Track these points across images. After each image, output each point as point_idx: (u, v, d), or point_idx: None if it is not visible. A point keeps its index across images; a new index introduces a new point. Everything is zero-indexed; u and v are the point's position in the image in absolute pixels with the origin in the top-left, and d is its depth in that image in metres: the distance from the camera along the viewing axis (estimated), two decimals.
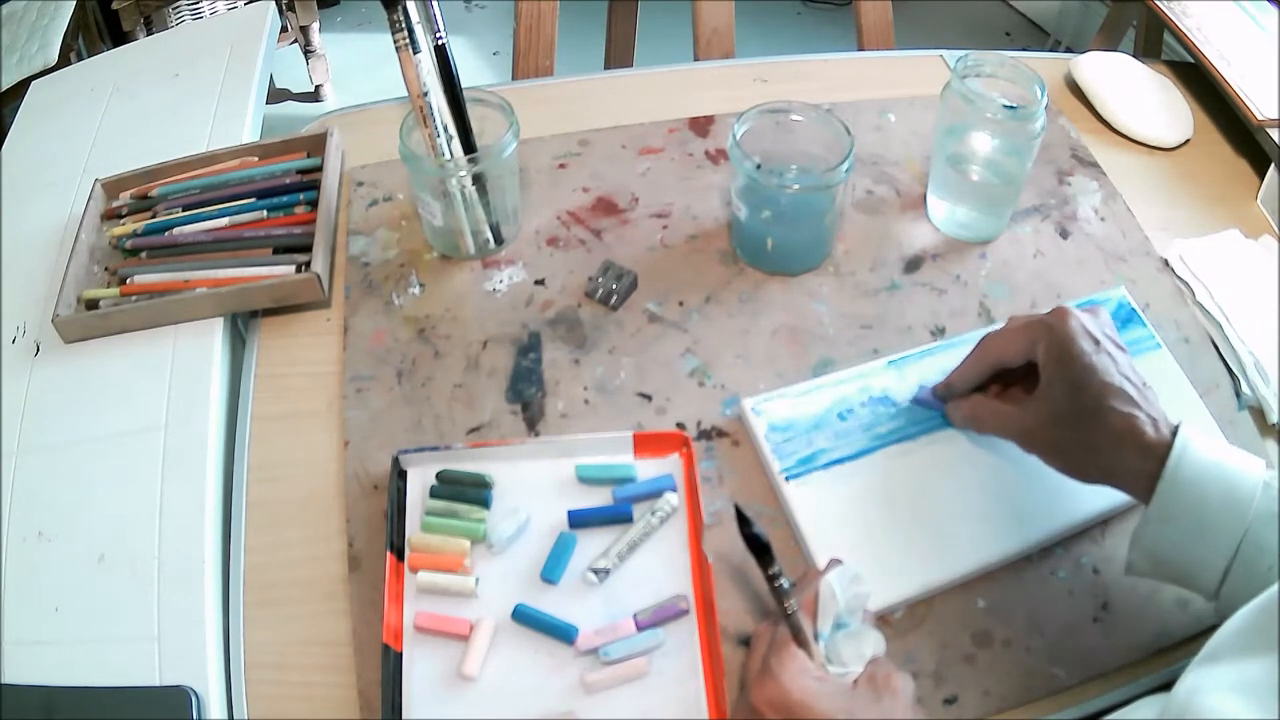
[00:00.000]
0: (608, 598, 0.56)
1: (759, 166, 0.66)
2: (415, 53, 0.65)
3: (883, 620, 0.56)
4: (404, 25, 0.65)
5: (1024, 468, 0.61)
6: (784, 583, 0.50)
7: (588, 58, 1.33)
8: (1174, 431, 0.50)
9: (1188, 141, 0.85)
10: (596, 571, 0.56)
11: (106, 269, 0.73)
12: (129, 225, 0.75)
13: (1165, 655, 0.55)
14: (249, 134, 0.83)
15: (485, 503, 0.59)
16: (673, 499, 0.59)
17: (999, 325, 0.67)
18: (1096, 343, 0.53)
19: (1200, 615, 0.56)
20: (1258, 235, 0.76)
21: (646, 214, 0.77)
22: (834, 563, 0.54)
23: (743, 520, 0.50)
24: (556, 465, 0.61)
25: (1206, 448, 0.49)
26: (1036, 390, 0.54)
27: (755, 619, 0.56)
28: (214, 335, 0.69)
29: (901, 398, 0.63)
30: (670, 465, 0.61)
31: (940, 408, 0.62)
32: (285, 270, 0.70)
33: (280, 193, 0.76)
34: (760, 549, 0.50)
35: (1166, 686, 0.52)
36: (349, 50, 2.22)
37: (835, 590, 0.51)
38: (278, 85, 2.15)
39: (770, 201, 0.69)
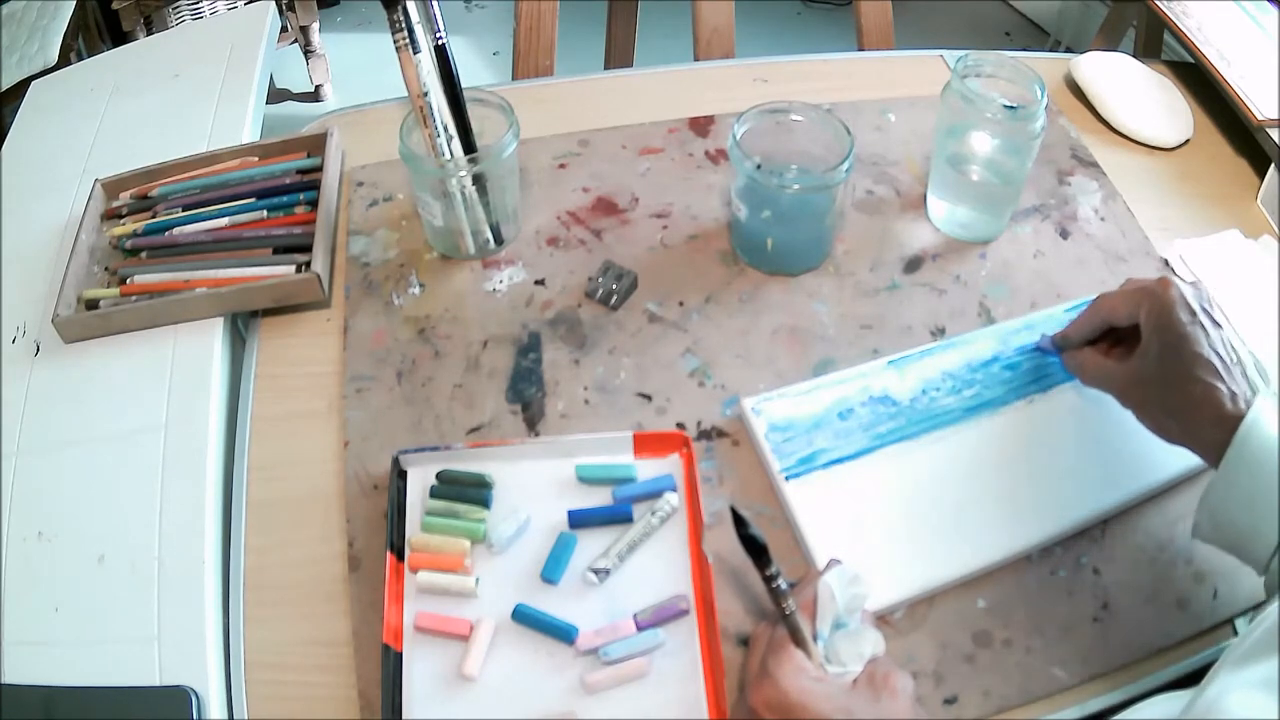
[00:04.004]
0: (608, 598, 0.56)
1: (759, 166, 0.66)
2: (415, 53, 0.65)
3: (883, 620, 0.56)
4: (404, 25, 0.65)
5: (1024, 467, 0.61)
6: (782, 583, 0.49)
7: (588, 58, 1.33)
8: (1249, 405, 0.52)
9: (1188, 141, 0.85)
10: (596, 571, 0.56)
11: (106, 269, 0.73)
12: (129, 225, 0.75)
13: (1165, 655, 0.55)
14: (249, 134, 0.83)
15: (485, 503, 0.59)
16: (673, 499, 0.59)
17: (999, 325, 0.68)
18: (1194, 314, 0.55)
19: (1200, 615, 0.56)
20: (1258, 235, 0.76)
21: (646, 214, 0.77)
22: (833, 563, 0.54)
23: (739, 521, 0.50)
24: (556, 465, 0.61)
25: (1276, 424, 0.51)
26: (1136, 350, 0.56)
27: (755, 619, 0.56)
28: (214, 335, 0.69)
29: (902, 398, 0.63)
30: (670, 465, 0.61)
31: (1057, 355, 0.64)
32: (285, 270, 0.70)
33: (280, 193, 0.76)
34: (757, 550, 0.49)
35: (1175, 684, 0.52)
36: (349, 50, 2.22)
37: (834, 590, 0.51)
38: (278, 85, 2.15)
39: (770, 201, 0.69)
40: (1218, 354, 0.54)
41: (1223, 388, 0.52)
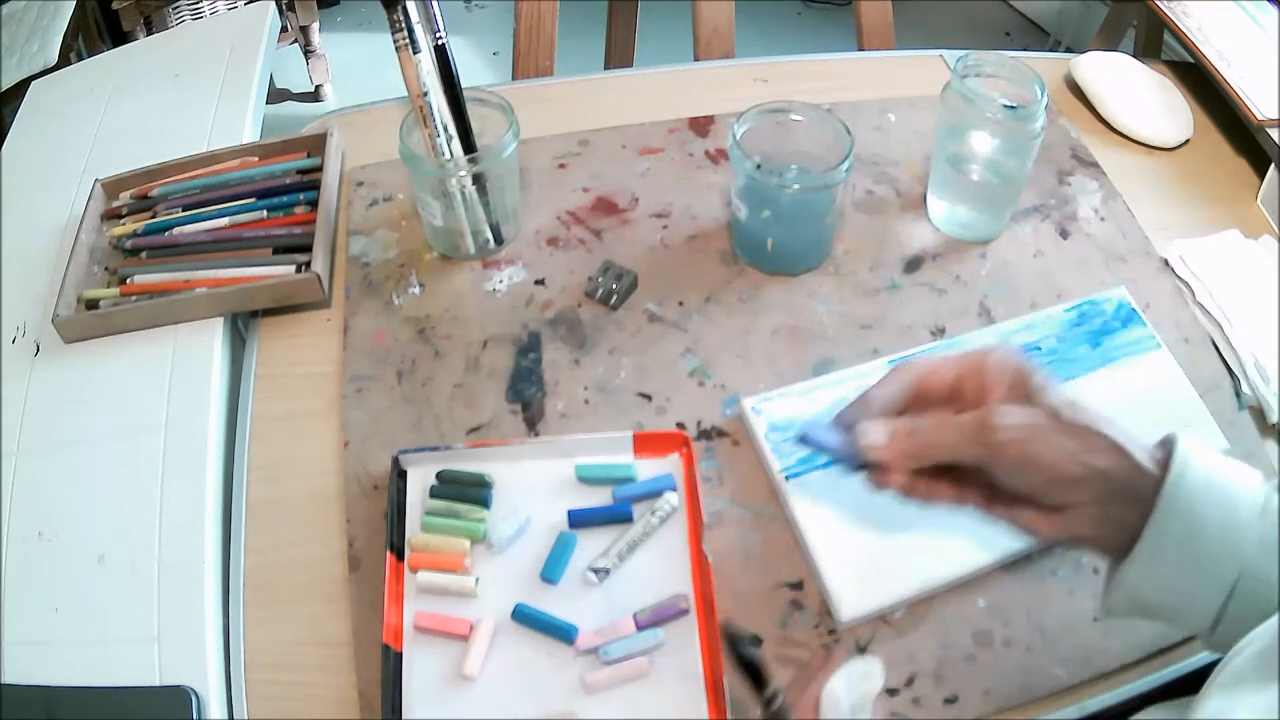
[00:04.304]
0: (608, 597, 0.56)
1: (759, 166, 0.66)
2: (415, 53, 0.65)
3: (883, 620, 0.56)
4: (404, 25, 0.65)
5: None
6: (779, 703, 0.45)
7: (588, 58, 1.33)
8: (1165, 447, 0.45)
9: (1188, 141, 0.85)
10: (596, 571, 0.56)
11: (106, 269, 0.73)
12: (129, 225, 0.75)
13: (1165, 655, 0.55)
14: (249, 134, 0.83)
15: (485, 503, 0.59)
16: (673, 499, 0.59)
17: (999, 325, 0.67)
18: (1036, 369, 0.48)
19: None
20: (1258, 235, 0.76)
21: (646, 214, 0.77)
22: (845, 661, 0.47)
23: (733, 641, 0.46)
24: (556, 465, 0.61)
25: (1204, 468, 0.44)
26: (990, 400, 0.47)
27: (755, 619, 0.56)
28: (214, 335, 0.69)
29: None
30: (670, 465, 0.61)
31: (839, 446, 0.49)
32: (285, 270, 0.70)
33: (280, 193, 0.76)
34: (753, 672, 0.45)
35: (1175, 685, 0.52)
36: (349, 50, 2.22)
37: (840, 697, 0.45)
38: (278, 85, 2.15)
39: (770, 201, 0.69)
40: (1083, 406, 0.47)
41: (1112, 432, 0.45)
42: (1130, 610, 0.46)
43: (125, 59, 0.96)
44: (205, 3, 1.81)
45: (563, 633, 0.54)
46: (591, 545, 0.57)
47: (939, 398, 0.49)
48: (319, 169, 0.77)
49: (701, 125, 0.84)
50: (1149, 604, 0.45)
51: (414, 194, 0.73)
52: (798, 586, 0.57)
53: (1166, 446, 0.46)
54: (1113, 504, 0.45)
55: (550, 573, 0.56)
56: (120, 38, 1.70)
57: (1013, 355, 0.48)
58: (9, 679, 0.54)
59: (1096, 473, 0.45)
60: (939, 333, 0.69)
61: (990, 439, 0.46)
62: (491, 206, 0.72)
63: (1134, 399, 0.63)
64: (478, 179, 0.70)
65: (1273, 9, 0.90)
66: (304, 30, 2.02)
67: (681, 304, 0.71)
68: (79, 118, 0.87)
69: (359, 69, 2.18)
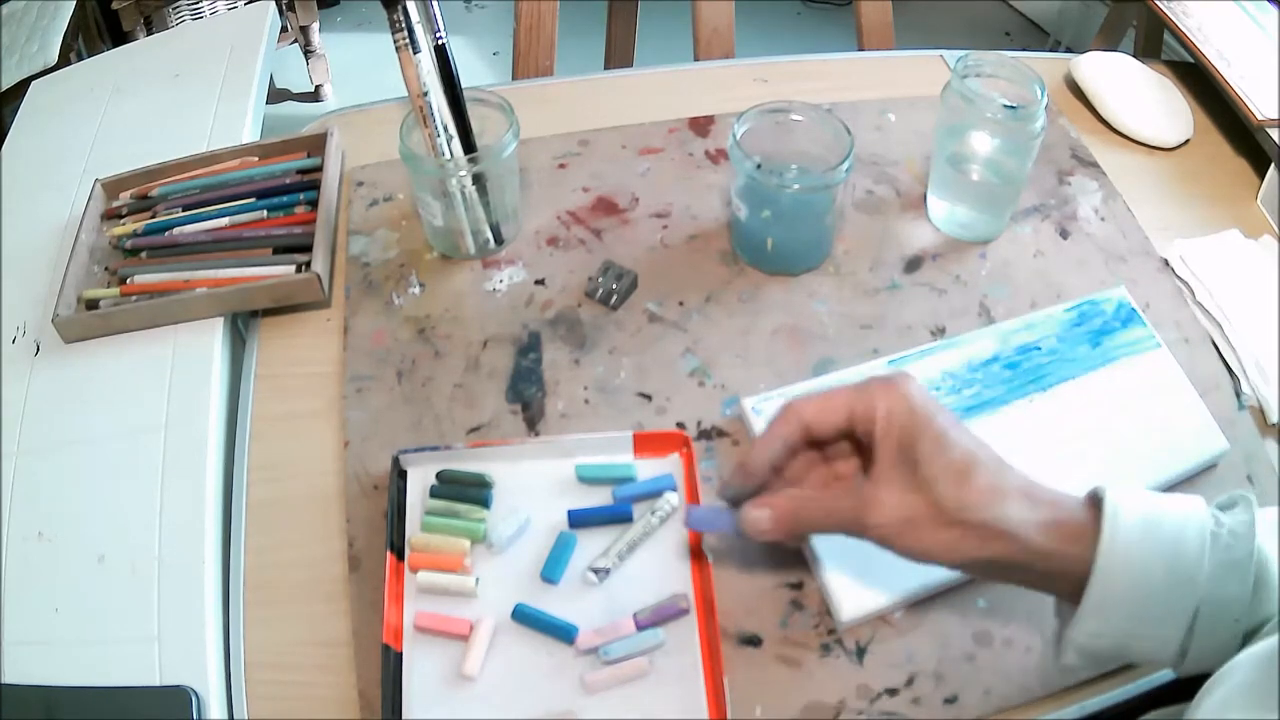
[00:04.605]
0: (608, 598, 0.56)
1: (759, 166, 0.66)
2: (415, 53, 0.65)
3: (883, 620, 0.56)
4: (404, 25, 0.65)
5: (1024, 467, 0.60)
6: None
7: (588, 58, 1.33)
8: (1093, 502, 0.44)
9: (1188, 141, 0.85)
10: (596, 571, 0.56)
11: (106, 269, 0.73)
12: (129, 225, 0.75)
13: None
14: (249, 134, 0.83)
15: (485, 503, 0.59)
16: (673, 499, 0.59)
17: (999, 325, 0.67)
18: (940, 407, 0.47)
19: None
20: (1258, 235, 0.76)
21: (646, 214, 0.77)
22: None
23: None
24: (556, 465, 0.61)
25: (1137, 513, 0.43)
26: (874, 469, 0.46)
27: (755, 619, 0.56)
28: (214, 335, 0.69)
29: None
30: (670, 465, 0.61)
31: (725, 524, 0.49)
32: (285, 270, 0.70)
33: (280, 193, 0.76)
34: None
35: (1168, 692, 0.51)
36: (349, 50, 2.22)
37: None
38: (278, 85, 2.15)
39: (770, 201, 0.69)
40: (979, 442, 0.46)
41: (1011, 470, 0.45)
42: (1086, 663, 0.45)
43: (125, 59, 0.96)
44: (205, 3, 1.81)
45: (563, 633, 0.54)
46: (591, 545, 0.57)
47: (830, 439, 0.48)
48: (319, 169, 0.77)
49: (701, 125, 0.84)
50: (1103, 655, 0.45)
51: (414, 194, 0.73)
52: (798, 586, 0.57)
53: (1095, 499, 0.45)
54: (1016, 575, 0.45)
55: (550, 573, 0.56)
56: (120, 38, 1.70)
57: (907, 398, 0.46)
58: (9, 679, 0.54)
59: (982, 561, 0.45)
60: (939, 332, 0.69)
61: (865, 532, 0.46)
62: (491, 206, 0.72)
63: (1134, 399, 0.63)
64: (478, 179, 0.70)
65: (1273, 9, 0.90)
66: (304, 30, 2.02)
67: (681, 304, 0.71)
68: (79, 118, 0.87)
69: (359, 69, 2.18)
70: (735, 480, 0.49)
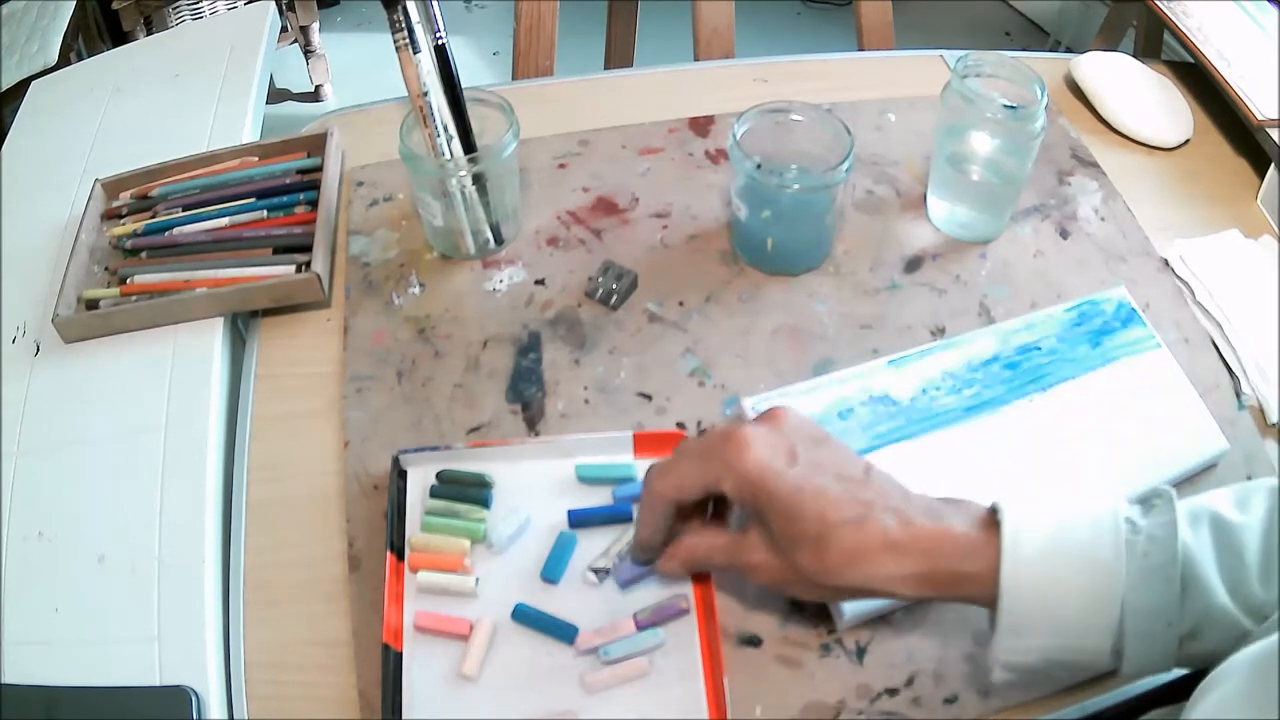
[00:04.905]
0: (608, 598, 0.56)
1: (759, 166, 0.66)
2: (415, 53, 0.65)
3: (883, 620, 0.56)
4: (404, 25, 0.65)
5: (1024, 467, 0.61)
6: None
7: (588, 58, 1.33)
8: (992, 519, 0.44)
9: (1188, 141, 0.85)
10: (596, 571, 0.56)
11: (106, 269, 0.73)
12: (129, 225, 0.75)
13: None
14: (249, 134, 0.83)
15: (485, 503, 0.59)
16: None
17: (999, 324, 0.67)
18: (792, 457, 0.46)
19: None
20: (1258, 235, 0.76)
21: (646, 214, 0.77)
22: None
23: None
24: (556, 465, 0.61)
25: (1041, 529, 0.43)
26: (748, 524, 0.48)
27: (755, 619, 0.56)
28: (214, 335, 0.69)
29: (902, 397, 0.63)
30: None
31: (650, 573, 0.55)
32: (285, 270, 0.70)
33: (280, 193, 0.76)
34: None
35: (1168, 693, 0.51)
36: (349, 50, 2.22)
37: None
38: (278, 85, 2.15)
39: (770, 201, 0.69)
40: (848, 478, 0.46)
41: (876, 514, 0.44)
42: (1017, 676, 0.45)
43: (125, 59, 0.96)
44: (205, 3, 1.81)
45: (563, 633, 0.54)
46: (591, 545, 0.57)
47: (701, 505, 0.51)
48: (319, 169, 0.77)
49: (701, 125, 0.84)
50: (1035, 670, 0.45)
51: (414, 194, 0.73)
52: None
53: (993, 518, 0.45)
54: (923, 594, 0.45)
55: (550, 573, 0.56)
56: (120, 38, 1.70)
57: (745, 470, 0.46)
58: (9, 679, 0.54)
59: (859, 593, 0.46)
60: (939, 332, 0.69)
61: (750, 580, 0.49)
62: (491, 206, 0.72)
63: (1134, 399, 0.63)
64: (478, 179, 0.70)
65: (1273, 9, 0.90)
66: (304, 30, 2.02)
67: (681, 304, 0.71)
68: (79, 118, 0.87)
69: (359, 69, 2.18)
70: (640, 556, 0.54)
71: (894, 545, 0.44)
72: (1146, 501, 0.46)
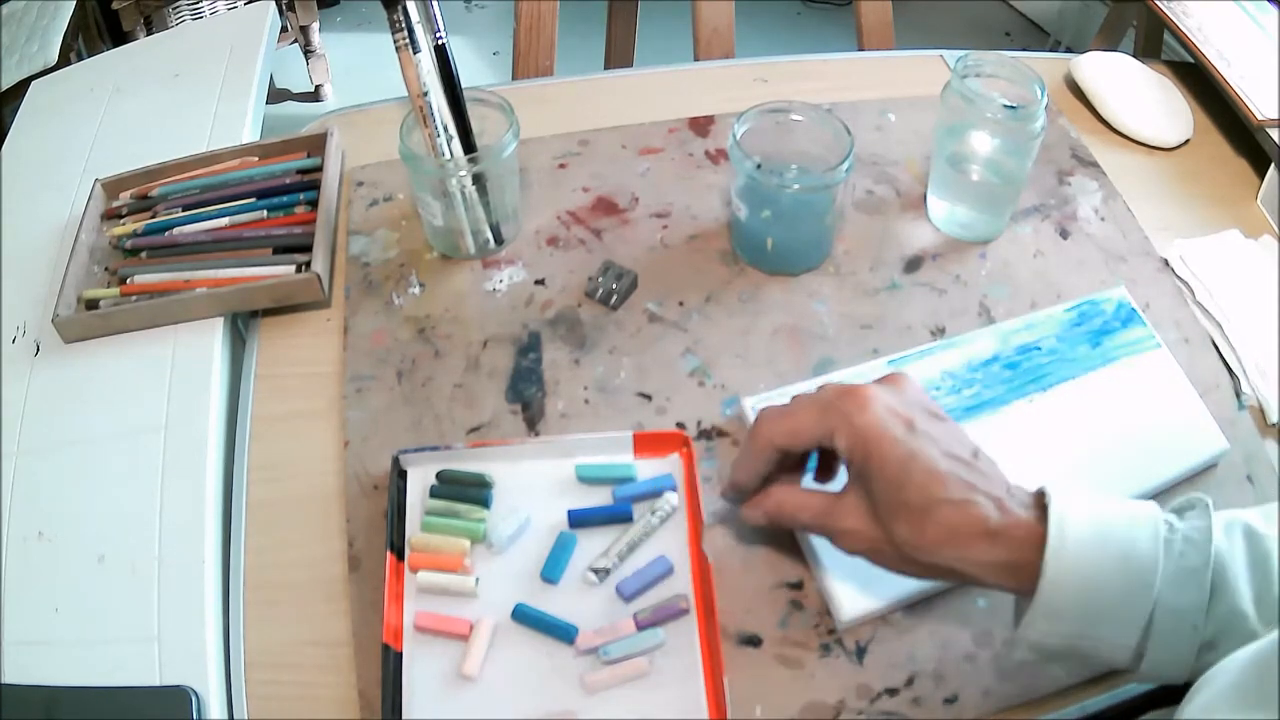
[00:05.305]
0: (608, 598, 0.56)
1: (759, 166, 0.66)
2: (415, 53, 0.65)
3: (883, 620, 0.56)
4: (404, 25, 0.65)
5: (1025, 467, 0.60)
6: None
7: (588, 58, 1.33)
8: (1040, 504, 0.44)
9: (1188, 141, 0.85)
10: (596, 571, 0.56)
11: (106, 269, 0.73)
12: (129, 225, 0.75)
13: None
14: (249, 134, 0.83)
15: (485, 503, 0.59)
16: (673, 499, 0.59)
17: (999, 325, 0.67)
18: (909, 425, 0.46)
19: None
20: (1258, 235, 0.76)
21: (646, 214, 0.77)
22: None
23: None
24: (556, 465, 0.61)
25: (1085, 519, 0.43)
26: (847, 486, 0.48)
27: (755, 619, 0.56)
28: (214, 335, 0.69)
29: None
30: (670, 465, 0.61)
31: (650, 586, 0.56)
32: (285, 270, 0.70)
33: (280, 193, 0.76)
34: None
35: (1168, 693, 0.51)
36: (349, 50, 2.22)
37: None
38: (278, 85, 2.15)
39: (770, 201, 0.69)
40: (957, 458, 0.45)
41: (979, 498, 0.44)
42: (1040, 656, 0.46)
43: (125, 59, 0.96)
44: (205, 3, 1.81)
45: (563, 633, 0.54)
46: (591, 545, 0.57)
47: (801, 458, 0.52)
48: (319, 169, 0.77)
49: (701, 125, 0.84)
50: (1057, 652, 0.45)
51: (414, 194, 0.73)
52: (798, 586, 0.57)
53: (1040, 502, 0.45)
54: (1004, 583, 0.45)
55: (550, 573, 0.56)
56: (120, 38, 1.70)
57: (864, 430, 0.46)
58: (9, 679, 0.54)
59: (947, 574, 0.46)
60: (939, 332, 0.69)
61: (835, 544, 0.49)
62: (491, 206, 0.72)
63: (1134, 399, 0.63)
64: (478, 179, 0.70)
65: (1273, 9, 0.90)
66: (304, 30, 2.02)
67: (681, 304, 0.71)
68: (79, 118, 0.87)
69: (359, 69, 2.18)
70: (730, 494, 0.54)
71: (992, 533, 0.44)
72: (1185, 506, 0.46)
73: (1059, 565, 0.42)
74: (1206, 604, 0.42)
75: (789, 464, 0.52)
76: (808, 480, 0.53)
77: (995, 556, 0.44)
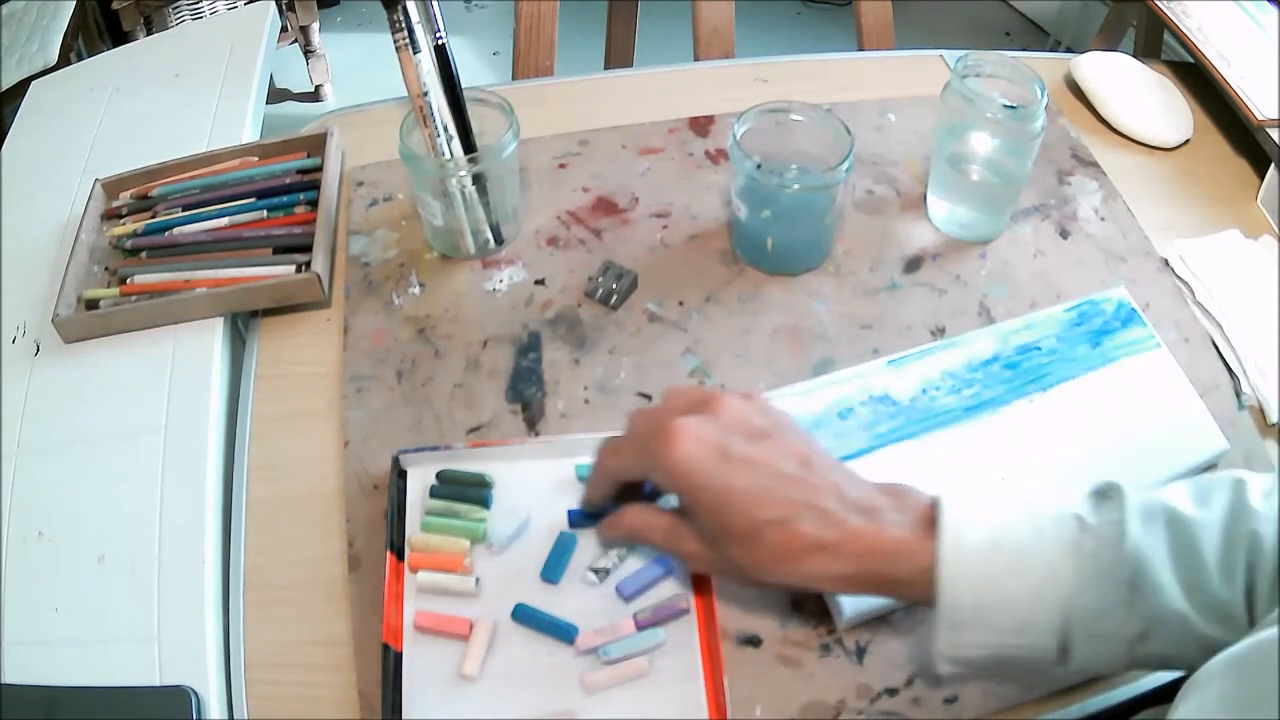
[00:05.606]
0: (608, 598, 0.56)
1: (759, 166, 0.66)
2: (415, 53, 0.65)
3: (883, 620, 0.56)
4: (404, 25, 0.65)
5: (1025, 467, 0.61)
6: None
7: (588, 58, 1.33)
8: (930, 515, 0.44)
9: (1188, 141, 0.85)
10: (597, 571, 0.56)
11: (106, 269, 0.73)
12: (129, 225, 0.75)
13: None
14: (249, 134, 0.83)
15: (485, 503, 0.59)
16: (672, 498, 0.59)
17: (999, 325, 0.67)
18: (723, 453, 0.45)
19: None
20: (1258, 235, 0.76)
21: (646, 214, 0.77)
22: None
23: None
24: (556, 465, 0.61)
25: (981, 528, 0.43)
26: (685, 517, 0.48)
27: (755, 619, 0.56)
28: (214, 335, 0.69)
29: (902, 397, 0.63)
30: None
31: (650, 585, 0.56)
32: (285, 270, 0.70)
33: (280, 193, 0.76)
34: None
35: (1169, 693, 0.51)
36: (349, 50, 2.22)
37: None
38: (278, 85, 2.15)
39: (770, 201, 0.69)
40: (780, 474, 0.45)
41: (803, 514, 0.44)
42: (967, 670, 0.45)
43: (125, 59, 0.96)
44: (205, 3, 1.81)
45: (563, 633, 0.54)
46: (591, 545, 0.57)
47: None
48: (319, 169, 0.77)
49: (701, 125, 0.84)
50: (980, 664, 0.44)
51: (414, 194, 0.73)
52: None
53: (932, 513, 0.44)
54: (857, 592, 0.45)
55: (550, 573, 0.56)
56: (120, 38, 1.70)
57: (673, 467, 0.45)
58: (9, 679, 0.54)
59: (797, 587, 0.46)
60: (939, 332, 0.69)
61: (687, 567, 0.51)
62: (491, 206, 0.72)
63: (1134, 399, 0.63)
64: (478, 179, 0.70)
65: (1273, 9, 0.90)
66: (304, 30, 2.02)
67: (681, 304, 0.71)
68: (79, 118, 0.87)
69: (359, 69, 2.18)
70: (587, 509, 0.56)
71: (823, 546, 0.44)
72: (1101, 495, 0.45)
73: (954, 583, 0.42)
74: (1126, 600, 0.42)
75: (637, 486, 0.52)
76: (671, 498, 0.51)
77: (834, 569, 0.44)
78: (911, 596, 0.44)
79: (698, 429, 0.46)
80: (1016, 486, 0.45)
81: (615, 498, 0.53)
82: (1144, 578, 0.42)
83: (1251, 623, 0.42)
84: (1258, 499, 0.44)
